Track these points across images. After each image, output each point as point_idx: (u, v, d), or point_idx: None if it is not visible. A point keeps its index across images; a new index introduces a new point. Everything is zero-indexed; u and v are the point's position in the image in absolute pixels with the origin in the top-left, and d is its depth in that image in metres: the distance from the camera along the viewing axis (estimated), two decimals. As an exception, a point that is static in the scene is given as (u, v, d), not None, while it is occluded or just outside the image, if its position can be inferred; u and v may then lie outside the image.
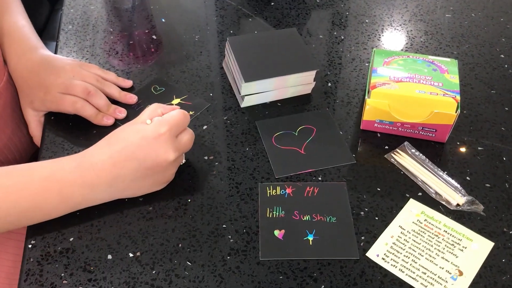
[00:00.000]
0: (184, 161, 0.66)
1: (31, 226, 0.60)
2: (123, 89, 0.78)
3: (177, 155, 0.61)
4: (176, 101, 0.76)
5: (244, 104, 0.76)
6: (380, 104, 0.68)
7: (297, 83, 0.76)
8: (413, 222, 0.62)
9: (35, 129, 0.75)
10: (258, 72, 0.74)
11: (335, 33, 0.91)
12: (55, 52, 0.85)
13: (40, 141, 0.73)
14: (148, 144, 0.59)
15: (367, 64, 0.84)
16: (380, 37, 0.90)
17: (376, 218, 0.62)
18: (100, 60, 0.84)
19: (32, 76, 0.72)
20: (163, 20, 0.93)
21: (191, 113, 0.74)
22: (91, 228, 0.61)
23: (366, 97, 0.69)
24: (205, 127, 0.73)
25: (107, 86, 0.75)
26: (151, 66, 0.83)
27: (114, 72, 0.81)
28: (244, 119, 0.75)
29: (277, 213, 0.62)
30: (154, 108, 0.63)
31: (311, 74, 0.76)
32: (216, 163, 0.68)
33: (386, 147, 0.71)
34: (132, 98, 0.76)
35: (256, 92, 0.75)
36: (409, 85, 0.69)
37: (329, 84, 0.80)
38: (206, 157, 0.69)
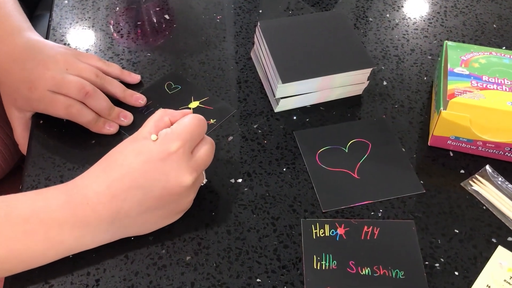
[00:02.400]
0: (205, 181, 0.52)
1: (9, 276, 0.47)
2: (128, 85, 0.63)
3: (194, 177, 0.46)
4: (194, 104, 0.61)
5: (279, 108, 0.61)
6: (460, 118, 0.53)
7: (346, 83, 0.61)
8: (505, 281, 0.47)
9: (20, 134, 0.61)
10: (298, 69, 0.59)
11: (387, 15, 0.74)
12: (47, 36, 0.70)
13: (26, 149, 0.59)
14: (154, 168, 0.45)
15: (429, 57, 0.68)
16: (443, 22, 0.73)
17: (456, 273, 0.48)
18: (101, 46, 0.68)
19: (15, 67, 0.57)
20: (177, -5, 0.77)
21: (212, 121, 0.59)
22: (87, 279, 0.47)
23: (441, 108, 0.54)
24: (230, 138, 0.58)
25: (108, 82, 0.60)
26: (164, 54, 0.68)
27: (118, 62, 0.66)
28: (279, 127, 0.60)
29: (328, 264, 0.48)
30: (159, 117, 0.48)
31: (366, 73, 0.60)
32: (246, 189, 0.54)
33: (462, 170, 0.56)
34: (139, 99, 0.61)
35: (295, 94, 0.60)
36: (498, 95, 0.53)
37: (385, 83, 0.65)
38: (232, 180, 0.55)
